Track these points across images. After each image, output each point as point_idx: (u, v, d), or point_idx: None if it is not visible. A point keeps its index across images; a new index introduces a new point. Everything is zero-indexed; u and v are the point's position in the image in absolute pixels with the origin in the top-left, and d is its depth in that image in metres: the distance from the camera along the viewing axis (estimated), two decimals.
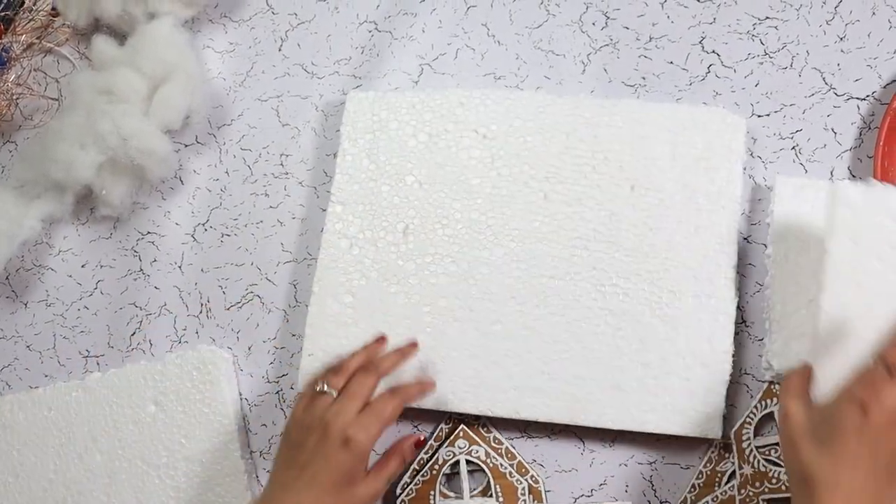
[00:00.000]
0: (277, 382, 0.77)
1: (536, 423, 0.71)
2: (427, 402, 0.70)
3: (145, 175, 0.80)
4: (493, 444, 0.72)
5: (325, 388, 0.65)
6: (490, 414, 0.71)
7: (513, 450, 0.72)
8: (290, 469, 0.63)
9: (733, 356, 0.69)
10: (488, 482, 0.71)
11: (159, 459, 0.74)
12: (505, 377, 0.71)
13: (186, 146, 0.83)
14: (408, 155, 0.77)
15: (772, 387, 0.68)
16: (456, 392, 0.71)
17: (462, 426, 0.72)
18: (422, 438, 0.71)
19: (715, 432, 0.68)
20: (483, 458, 0.71)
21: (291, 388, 0.76)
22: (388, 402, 0.66)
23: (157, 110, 0.79)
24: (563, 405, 0.70)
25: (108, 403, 0.76)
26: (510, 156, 0.75)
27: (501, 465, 0.71)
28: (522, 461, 0.72)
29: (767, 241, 0.71)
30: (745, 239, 0.73)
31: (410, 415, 0.72)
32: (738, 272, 0.71)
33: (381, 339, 0.72)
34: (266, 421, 0.76)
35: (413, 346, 0.71)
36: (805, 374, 0.57)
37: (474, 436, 0.72)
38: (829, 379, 0.59)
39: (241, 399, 0.77)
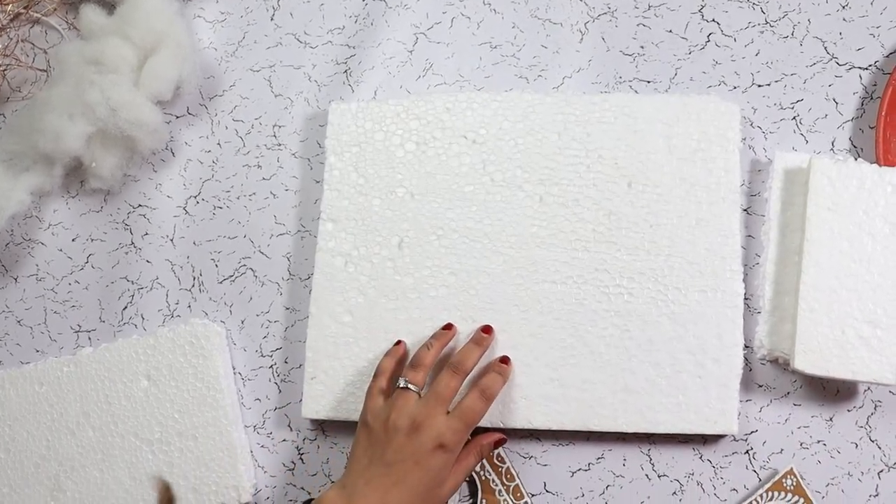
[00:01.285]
0: (271, 356, 0.76)
1: (549, 431, 0.71)
2: None
3: (136, 147, 0.79)
4: (495, 460, 0.71)
5: (409, 385, 0.66)
6: (501, 425, 0.70)
7: (513, 471, 0.71)
8: (375, 465, 0.64)
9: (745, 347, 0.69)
10: (478, 494, 0.70)
11: (152, 434, 0.74)
12: (514, 387, 0.70)
13: (177, 117, 0.82)
14: (396, 166, 0.75)
15: (782, 480, 0.68)
16: None
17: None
18: (504, 437, 0.70)
19: (731, 428, 0.68)
20: (477, 468, 0.71)
21: (285, 363, 0.75)
22: (478, 405, 0.66)
23: (147, 81, 0.78)
24: (575, 411, 0.69)
25: (101, 378, 0.75)
26: (502, 160, 0.74)
27: (493, 481, 0.70)
28: (521, 486, 0.71)
29: (765, 214, 0.71)
30: (744, 210, 0.73)
31: None
32: (748, 266, 0.70)
33: (450, 327, 0.71)
34: (260, 395, 0.76)
35: (488, 331, 0.70)
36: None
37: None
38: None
39: (234, 373, 0.76)
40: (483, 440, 0.68)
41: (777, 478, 0.68)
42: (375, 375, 0.69)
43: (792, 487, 0.68)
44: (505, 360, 0.69)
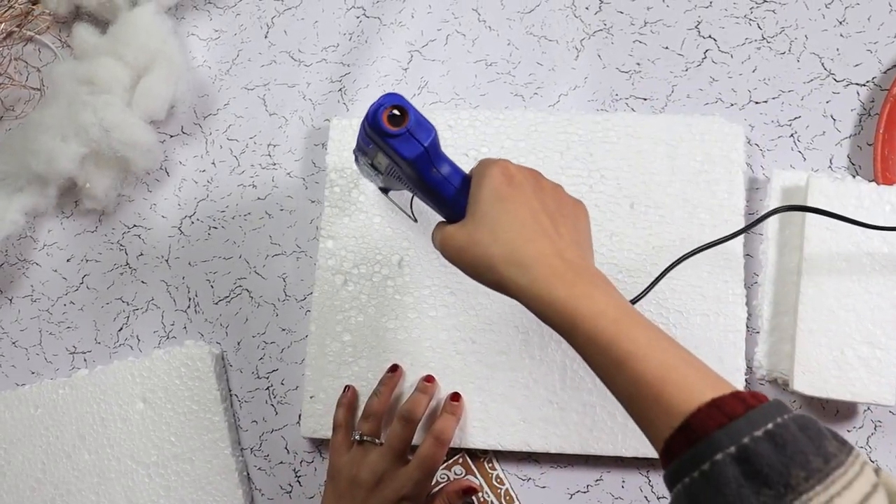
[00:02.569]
0: (267, 378, 0.76)
1: (547, 454, 0.70)
2: None
3: (130, 167, 0.78)
4: (494, 481, 0.71)
5: (365, 438, 0.67)
6: (499, 448, 0.69)
7: (512, 493, 0.70)
8: None
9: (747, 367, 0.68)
10: None
11: (149, 458, 0.73)
12: (513, 409, 0.69)
13: (171, 137, 0.82)
14: None
15: None
16: (463, 427, 0.69)
17: (464, 453, 0.71)
18: (473, 486, 0.69)
19: None
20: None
21: (282, 384, 0.75)
22: (434, 451, 0.66)
23: (141, 100, 0.78)
24: (574, 435, 0.68)
25: (96, 401, 0.75)
26: None
27: (492, 502, 0.70)
28: None
29: (763, 233, 0.70)
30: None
31: (410, 451, 0.70)
32: (746, 287, 0.70)
33: (395, 369, 0.71)
34: (256, 417, 0.75)
35: (430, 380, 0.70)
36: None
37: (473, 466, 0.71)
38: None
39: (230, 395, 0.76)
40: (450, 488, 0.68)
41: None
42: (333, 429, 0.70)
43: None
44: (456, 397, 0.70)
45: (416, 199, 0.59)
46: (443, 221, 0.57)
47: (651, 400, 0.43)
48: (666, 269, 0.64)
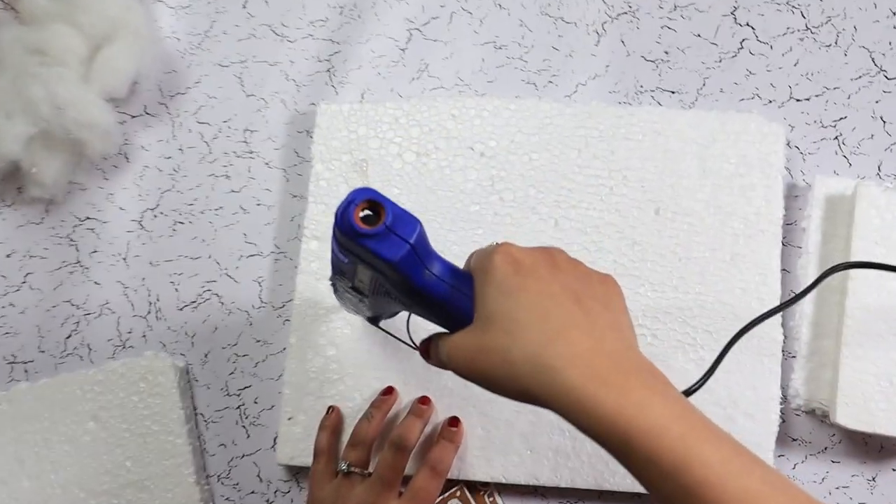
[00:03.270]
0: (239, 395, 0.72)
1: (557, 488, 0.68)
2: None
3: (84, 151, 0.74)
4: None
5: (351, 468, 0.64)
6: (503, 481, 0.67)
7: None
8: None
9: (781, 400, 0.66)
10: None
11: (100, 485, 0.69)
12: (518, 437, 0.67)
13: (133, 118, 0.78)
14: (393, 178, 0.71)
15: None
16: (463, 457, 0.67)
17: (462, 486, 0.68)
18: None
19: None
20: None
21: (255, 403, 0.72)
22: (430, 484, 0.63)
23: (99, 75, 0.74)
24: (588, 468, 0.66)
25: (38, 419, 0.70)
26: (513, 177, 0.70)
27: None
28: None
29: (803, 247, 0.69)
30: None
31: (403, 483, 0.68)
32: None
33: (390, 391, 0.68)
34: (225, 440, 0.72)
35: (426, 402, 0.67)
36: None
37: (473, 500, 0.68)
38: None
39: (195, 415, 0.72)
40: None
41: None
42: (315, 455, 0.66)
43: None
44: (454, 422, 0.67)
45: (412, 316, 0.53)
46: (444, 332, 0.50)
47: None
48: (723, 350, 0.61)
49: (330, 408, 0.67)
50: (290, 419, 0.68)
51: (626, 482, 0.65)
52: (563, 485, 0.66)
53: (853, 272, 0.64)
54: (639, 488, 0.63)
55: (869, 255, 0.64)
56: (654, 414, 0.41)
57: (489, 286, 0.47)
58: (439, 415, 0.67)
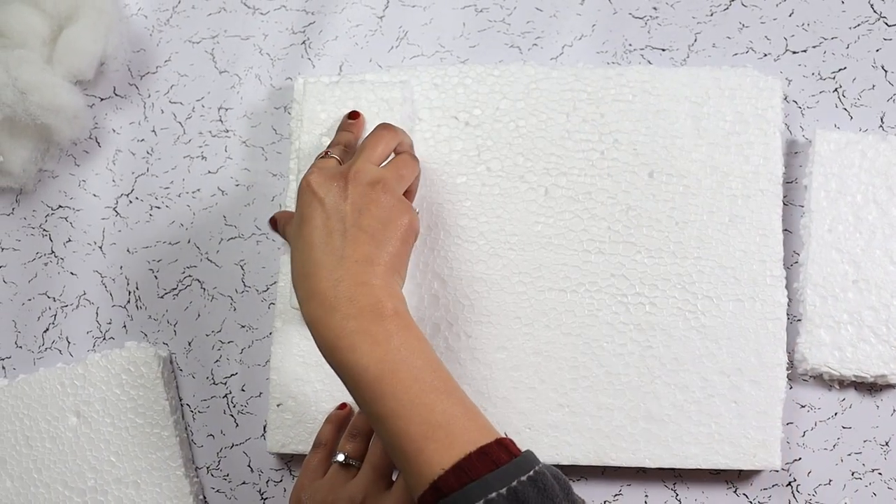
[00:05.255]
0: (225, 384, 0.71)
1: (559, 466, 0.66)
2: None
3: (52, 136, 0.73)
4: None
5: (349, 460, 0.62)
6: None
7: None
8: None
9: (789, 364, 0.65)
10: None
11: (85, 482, 0.69)
12: (516, 414, 0.66)
13: (102, 100, 0.77)
14: None
15: None
16: None
17: None
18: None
19: (773, 462, 0.64)
20: None
21: (243, 391, 0.71)
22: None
23: (64, 56, 0.73)
24: (589, 443, 0.65)
25: (18, 417, 0.70)
26: (500, 145, 0.69)
27: None
28: None
29: (805, 206, 0.67)
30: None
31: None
32: (785, 267, 0.67)
33: (343, 407, 0.67)
34: (213, 430, 0.71)
35: (345, 409, 0.67)
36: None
37: None
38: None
39: (181, 406, 0.72)
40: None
41: None
42: (314, 446, 0.65)
43: None
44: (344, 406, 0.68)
45: None
46: None
47: (415, 453, 0.49)
48: None
49: (343, 404, 0.66)
50: (278, 405, 0.67)
51: (628, 457, 0.64)
52: (563, 462, 0.65)
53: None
54: (642, 463, 0.63)
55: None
56: (359, 355, 0.51)
57: (295, 216, 0.57)
58: None
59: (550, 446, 0.65)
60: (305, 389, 0.67)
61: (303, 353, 0.68)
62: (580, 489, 0.66)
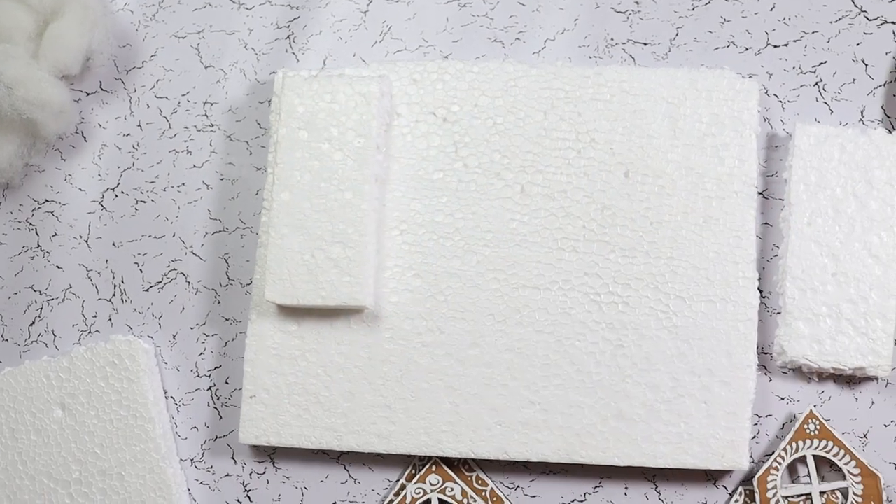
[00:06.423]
0: (209, 377, 0.72)
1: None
2: (397, 446, 0.66)
3: (38, 131, 0.73)
4: (474, 484, 0.68)
5: None
6: (473, 456, 0.67)
7: (499, 492, 0.68)
8: None
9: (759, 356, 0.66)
10: None
11: (70, 475, 0.69)
12: (488, 411, 0.66)
13: (88, 95, 0.77)
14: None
15: (804, 427, 0.65)
16: (430, 432, 0.66)
17: (436, 459, 0.68)
18: None
19: (741, 463, 0.64)
20: (458, 497, 0.67)
21: (226, 383, 0.71)
22: None
23: (49, 51, 0.72)
24: (559, 441, 0.66)
25: (4, 409, 0.70)
26: (477, 142, 0.69)
27: None
28: None
29: (784, 199, 0.67)
30: (760, 193, 0.69)
31: (372, 461, 0.68)
32: (766, 260, 0.67)
33: None
34: (197, 423, 0.71)
35: None
36: None
37: (450, 472, 0.68)
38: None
39: (165, 398, 0.72)
40: None
41: (797, 425, 0.64)
42: None
43: (816, 432, 0.64)
44: None
45: None
46: None
47: None
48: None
49: None
50: (252, 398, 0.67)
51: (598, 455, 0.65)
52: (532, 458, 0.65)
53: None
54: (612, 461, 0.64)
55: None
56: None
57: None
58: (406, 389, 0.67)
59: (521, 443, 0.65)
60: (278, 382, 0.67)
61: (277, 346, 0.68)
62: (559, 482, 0.67)
